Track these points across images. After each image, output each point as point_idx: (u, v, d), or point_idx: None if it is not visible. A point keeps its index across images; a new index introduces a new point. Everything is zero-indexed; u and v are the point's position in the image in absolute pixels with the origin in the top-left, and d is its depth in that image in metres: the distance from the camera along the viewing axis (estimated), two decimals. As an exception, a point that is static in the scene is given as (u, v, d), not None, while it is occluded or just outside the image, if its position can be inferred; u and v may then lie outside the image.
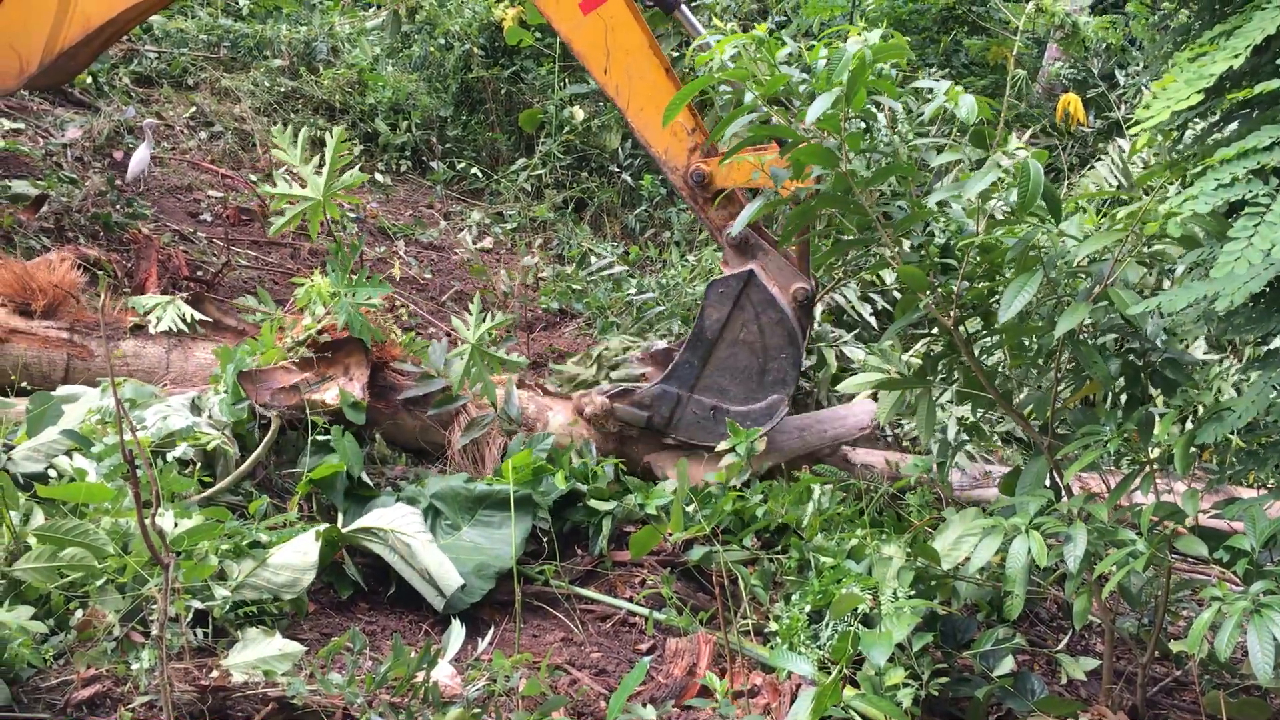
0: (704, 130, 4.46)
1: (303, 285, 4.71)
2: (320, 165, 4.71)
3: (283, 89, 8.44)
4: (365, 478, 4.15)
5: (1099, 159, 7.47)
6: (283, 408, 4.21)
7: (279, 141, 4.67)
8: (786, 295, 4.40)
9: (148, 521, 2.40)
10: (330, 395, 4.33)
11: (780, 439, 4.69)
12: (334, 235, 4.97)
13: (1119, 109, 7.84)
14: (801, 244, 4.49)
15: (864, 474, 4.69)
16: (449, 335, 5.85)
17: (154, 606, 2.91)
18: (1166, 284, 5.00)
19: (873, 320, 6.42)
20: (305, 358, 4.43)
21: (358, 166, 4.99)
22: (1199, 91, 2.29)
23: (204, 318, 4.84)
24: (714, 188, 4.44)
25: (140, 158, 6.13)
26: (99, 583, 2.99)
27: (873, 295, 6.49)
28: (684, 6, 4.61)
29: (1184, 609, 3.96)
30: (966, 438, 4.52)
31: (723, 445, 4.18)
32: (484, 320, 4.65)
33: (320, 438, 4.19)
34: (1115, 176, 6.68)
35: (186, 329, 4.71)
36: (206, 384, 4.43)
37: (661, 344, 5.12)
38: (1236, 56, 2.28)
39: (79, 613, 2.92)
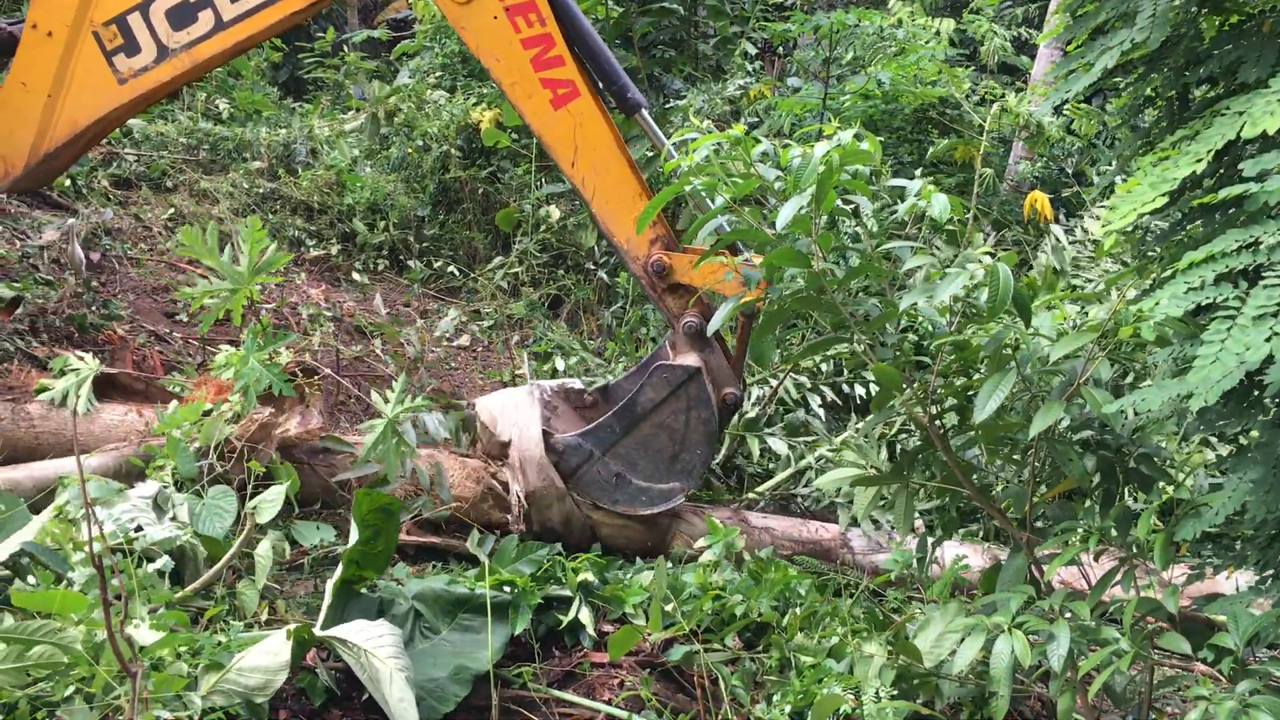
0: (664, 223, 4.59)
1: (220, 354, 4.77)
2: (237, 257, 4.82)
3: (261, 190, 8.50)
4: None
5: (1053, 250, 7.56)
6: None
7: (188, 240, 4.74)
8: (718, 396, 4.59)
9: (116, 630, 2.36)
10: (294, 425, 4.50)
11: None
12: (258, 316, 5.05)
13: (1091, 208, 7.98)
14: (739, 347, 4.67)
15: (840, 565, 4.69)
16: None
17: (122, 718, 2.84)
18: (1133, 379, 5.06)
19: (821, 412, 6.35)
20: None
21: (285, 256, 5.03)
22: (1163, 195, 2.34)
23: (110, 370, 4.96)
24: (671, 278, 4.60)
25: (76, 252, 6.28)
26: (67, 692, 2.91)
27: (823, 387, 6.45)
28: (644, 112, 4.74)
29: (1169, 706, 3.93)
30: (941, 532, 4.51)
31: (701, 542, 4.16)
32: (404, 398, 4.63)
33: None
34: (1054, 262, 6.81)
35: (82, 397, 4.73)
36: (117, 446, 4.48)
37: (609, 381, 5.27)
38: (1199, 161, 2.33)
39: (46, 723, 2.85)
